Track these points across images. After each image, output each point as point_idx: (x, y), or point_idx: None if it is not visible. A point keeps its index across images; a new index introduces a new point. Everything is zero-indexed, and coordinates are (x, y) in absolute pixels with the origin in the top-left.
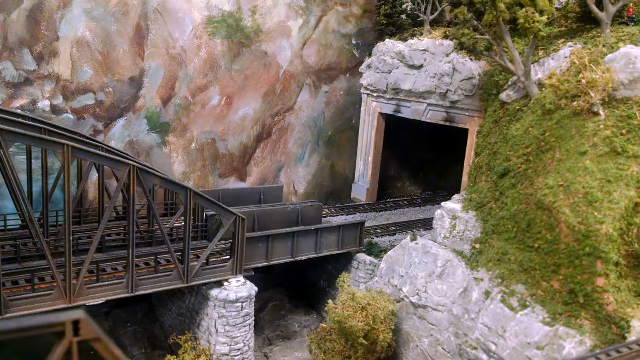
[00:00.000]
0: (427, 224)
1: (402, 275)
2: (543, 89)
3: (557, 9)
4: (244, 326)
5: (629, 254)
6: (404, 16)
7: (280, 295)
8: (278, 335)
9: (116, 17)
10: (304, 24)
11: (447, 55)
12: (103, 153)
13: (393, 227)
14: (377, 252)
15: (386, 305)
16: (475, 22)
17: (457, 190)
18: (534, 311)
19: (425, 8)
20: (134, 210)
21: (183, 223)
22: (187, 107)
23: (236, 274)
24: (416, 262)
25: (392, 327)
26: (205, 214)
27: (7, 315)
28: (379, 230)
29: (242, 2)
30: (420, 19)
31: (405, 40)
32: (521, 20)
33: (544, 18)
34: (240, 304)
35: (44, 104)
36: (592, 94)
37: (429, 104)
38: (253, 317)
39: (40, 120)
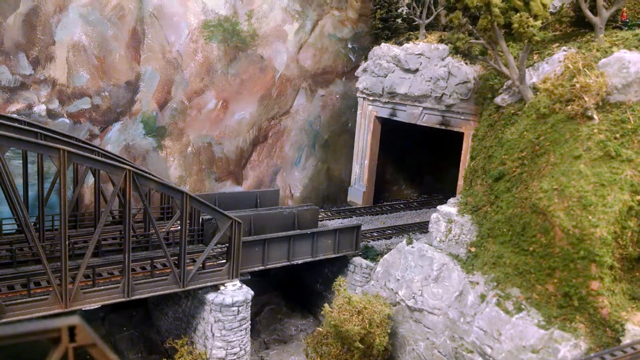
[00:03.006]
0: (423, 227)
1: (398, 279)
2: (538, 93)
3: (551, 13)
4: (241, 330)
5: (623, 257)
6: (399, 20)
7: (276, 299)
8: (274, 339)
9: (112, 21)
10: (300, 28)
11: (443, 59)
12: (99, 158)
13: (389, 231)
14: (373, 255)
15: (382, 309)
16: (470, 27)
17: (453, 194)
18: (529, 314)
19: (421, 12)
20: (130, 215)
21: (179, 227)
22: (183, 112)
23: (232, 278)
24: (412, 266)
25: (388, 330)
26: (202, 218)
27: (3, 320)
28: (375, 234)
29: (238, 7)
30: (416, 23)
31: (401, 44)
32: (516, 25)
33: (538, 23)
34: (236, 308)
35: (40, 109)
36: (586, 99)
37: (424, 108)
38: (249, 321)
39: (37, 124)
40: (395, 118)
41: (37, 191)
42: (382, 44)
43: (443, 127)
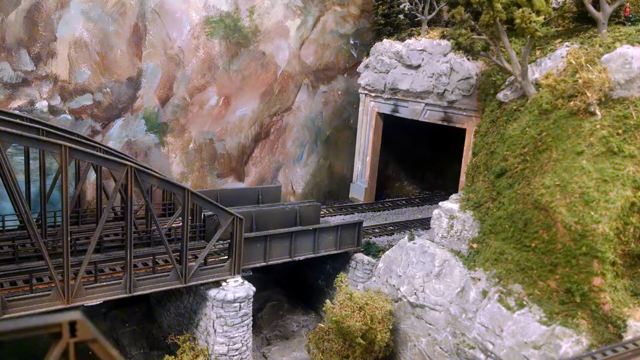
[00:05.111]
0: (425, 223)
1: (400, 275)
2: (540, 89)
3: (554, 9)
4: (242, 326)
5: (625, 253)
6: (401, 16)
7: (278, 295)
8: (276, 335)
9: (114, 17)
10: (302, 24)
11: (445, 55)
12: (101, 154)
13: (391, 227)
14: (375, 252)
15: (384, 305)
16: (473, 22)
17: (455, 190)
18: (531, 311)
19: (423, 8)
20: (132, 211)
21: (181, 223)
22: (185, 108)
23: (234, 274)
24: (414, 262)
25: (390, 326)
26: (204, 215)
27: (5, 316)
28: (377, 230)
29: (240, 3)
30: (418, 19)
31: (403, 40)
32: (518, 21)
33: (541, 18)
34: (238, 304)
35: (42, 105)
36: (589, 94)
37: (426, 104)
38: (251, 317)
39: (38, 121)
40: (397, 114)
41: (39, 187)
42: (384, 39)
43: (445, 124)
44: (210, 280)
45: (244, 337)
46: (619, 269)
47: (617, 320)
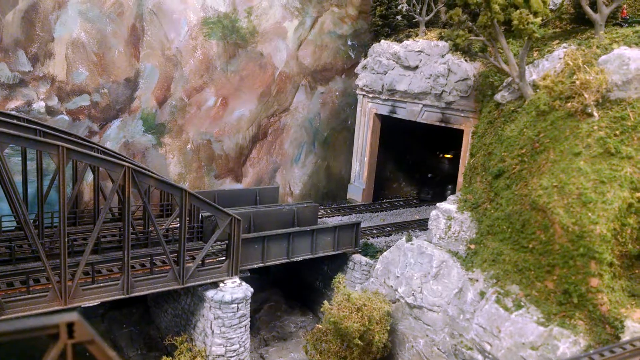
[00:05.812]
0: (422, 224)
1: (397, 276)
2: (537, 90)
3: (551, 10)
4: (240, 327)
5: (622, 254)
6: (399, 17)
7: (276, 296)
8: (274, 336)
9: (111, 18)
10: (300, 25)
11: (443, 56)
12: (98, 154)
13: (389, 228)
14: (372, 252)
15: (382, 306)
16: (470, 24)
17: (453, 191)
18: (528, 311)
19: (421, 9)
20: (130, 212)
21: (179, 224)
22: (182, 109)
23: (232, 275)
24: (412, 263)
25: (388, 327)
26: (201, 215)
27: (3, 317)
28: (374, 231)
29: (238, 3)
30: (416, 20)
31: (400, 41)
32: (515, 22)
33: (538, 19)
34: (236, 305)
35: (39, 105)
36: (586, 95)
37: (424, 105)
38: (249, 318)
39: (35, 121)
40: (395, 115)
41: (36, 188)
42: (382, 40)
43: (443, 125)
44: (208, 281)
45: (241, 338)
46: (616, 270)
47: (615, 321)
